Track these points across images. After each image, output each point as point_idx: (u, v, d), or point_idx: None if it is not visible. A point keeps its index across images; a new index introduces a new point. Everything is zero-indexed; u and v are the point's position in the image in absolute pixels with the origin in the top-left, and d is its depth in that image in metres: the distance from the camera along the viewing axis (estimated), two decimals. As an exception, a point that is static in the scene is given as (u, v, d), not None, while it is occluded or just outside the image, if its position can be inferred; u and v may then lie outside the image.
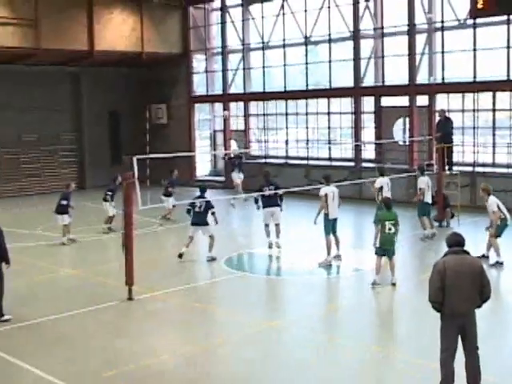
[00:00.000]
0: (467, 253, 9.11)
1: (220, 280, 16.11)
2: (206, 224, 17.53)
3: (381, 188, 18.49)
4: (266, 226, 18.99)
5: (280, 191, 18.87)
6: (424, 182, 19.81)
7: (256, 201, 19.11)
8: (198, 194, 18.23)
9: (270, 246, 18.80)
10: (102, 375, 10.33)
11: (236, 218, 25.09)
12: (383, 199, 15.88)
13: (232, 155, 29.40)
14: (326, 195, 16.76)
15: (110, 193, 21.52)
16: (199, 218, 17.45)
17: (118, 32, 32.24)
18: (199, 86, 36.34)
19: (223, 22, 34.16)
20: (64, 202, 20.26)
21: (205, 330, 12.62)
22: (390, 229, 14.61)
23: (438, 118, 24.54)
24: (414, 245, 19.37)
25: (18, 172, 32.89)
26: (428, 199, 19.80)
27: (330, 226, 16.90)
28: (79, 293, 15.17)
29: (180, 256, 17.29)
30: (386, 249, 14.71)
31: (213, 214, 17.57)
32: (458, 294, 8.84)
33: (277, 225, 18.84)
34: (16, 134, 32.63)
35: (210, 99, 35.83)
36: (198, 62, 36.35)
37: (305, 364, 10.65)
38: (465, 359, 9.06)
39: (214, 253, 17.52)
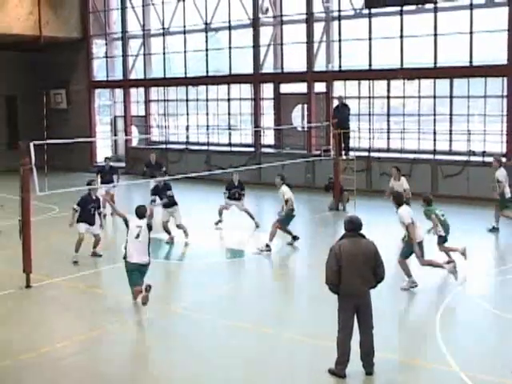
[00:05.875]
0: (363, 236, 9.48)
1: (119, 266, 16.04)
2: None
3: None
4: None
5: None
6: None
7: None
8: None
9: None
10: (-5, 365, 10.18)
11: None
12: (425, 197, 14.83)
13: None
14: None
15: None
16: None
17: (14, 14, 31.38)
18: (99, 72, 35.96)
19: (123, 7, 33.88)
20: None
21: (103, 316, 12.56)
22: (443, 215, 14.58)
23: (335, 104, 25.16)
24: (312, 228, 19.84)
25: None
26: None
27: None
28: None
29: None
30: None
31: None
32: (353, 276, 9.20)
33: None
34: None
35: (110, 85, 35.51)
36: (98, 47, 35.96)
37: (199, 348, 10.82)
38: (359, 337, 9.45)
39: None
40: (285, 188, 17.21)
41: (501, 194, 18.27)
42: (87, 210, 16.46)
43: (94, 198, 16.70)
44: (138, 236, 12.67)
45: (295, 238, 17.54)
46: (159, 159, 23.65)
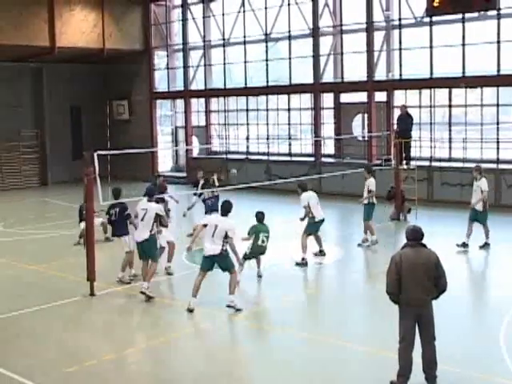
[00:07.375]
0: (424, 246, 9.40)
1: (181, 274, 16.20)
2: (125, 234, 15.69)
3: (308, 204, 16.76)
4: None
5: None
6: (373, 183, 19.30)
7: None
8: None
9: None
10: (63, 370, 10.34)
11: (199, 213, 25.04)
12: (257, 213, 15.34)
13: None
14: (308, 204, 16.57)
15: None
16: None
17: (79, 28, 32.12)
18: (160, 83, 36.43)
19: (184, 19, 34.30)
20: None
21: (166, 324, 12.75)
22: (263, 241, 14.95)
23: (398, 113, 24.99)
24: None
25: (-22, 169, 32.74)
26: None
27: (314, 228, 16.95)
28: (40, 288, 15.18)
29: None
30: (254, 256, 15.23)
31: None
32: (413, 286, 9.13)
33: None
34: (-25, 131, 32.46)
35: (171, 95, 35.93)
36: (160, 58, 36.44)
37: (260, 357, 10.88)
38: (421, 348, 9.34)
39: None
40: (304, 195, 16.84)
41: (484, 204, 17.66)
42: None
43: None
44: (142, 219, 14.02)
45: (322, 251, 17.31)
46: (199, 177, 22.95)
